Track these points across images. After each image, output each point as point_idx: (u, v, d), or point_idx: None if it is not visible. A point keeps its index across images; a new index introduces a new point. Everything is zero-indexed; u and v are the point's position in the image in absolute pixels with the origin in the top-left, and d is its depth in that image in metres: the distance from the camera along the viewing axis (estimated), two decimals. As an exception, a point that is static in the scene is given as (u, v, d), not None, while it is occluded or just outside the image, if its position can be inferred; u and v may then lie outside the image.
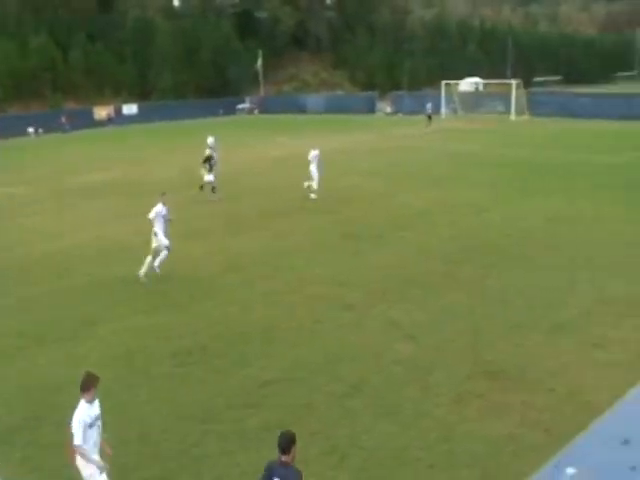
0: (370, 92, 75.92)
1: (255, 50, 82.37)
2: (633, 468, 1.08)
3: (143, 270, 16.70)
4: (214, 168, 26.79)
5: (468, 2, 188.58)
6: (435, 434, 9.54)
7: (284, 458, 6.05)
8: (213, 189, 26.46)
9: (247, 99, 79.55)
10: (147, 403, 10.73)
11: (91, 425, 7.28)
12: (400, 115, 64.85)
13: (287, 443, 6.07)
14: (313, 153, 27.04)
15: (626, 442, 1.18)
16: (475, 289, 15.47)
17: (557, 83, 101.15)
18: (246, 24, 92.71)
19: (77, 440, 7.12)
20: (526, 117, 56.02)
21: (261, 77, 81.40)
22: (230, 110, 75.24)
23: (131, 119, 68.59)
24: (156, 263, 16.86)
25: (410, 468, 8.84)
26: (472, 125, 52.01)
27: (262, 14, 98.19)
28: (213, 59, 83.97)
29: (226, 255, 19.21)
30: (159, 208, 16.99)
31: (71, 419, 7.23)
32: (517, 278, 16.06)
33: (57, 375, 11.77)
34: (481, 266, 17.15)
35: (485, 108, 62.01)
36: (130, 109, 71.06)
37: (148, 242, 16.85)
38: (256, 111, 76.71)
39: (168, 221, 17.22)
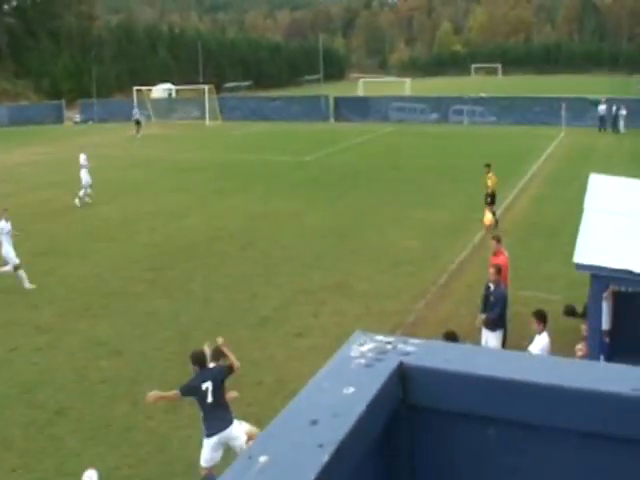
0: (57, 101, 72.22)
1: None
2: (321, 445, 1.06)
3: None
4: None
5: (155, 8, 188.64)
6: (148, 447, 9.27)
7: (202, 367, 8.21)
8: None
9: None
10: None
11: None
12: (90, 123, 62.64)
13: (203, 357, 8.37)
14: (83, 157, 25.92)
15: (314, 422, 1.16)
16: (179, 293, 15.41)
17: (248, 88, 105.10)
18: None
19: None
20: (219, 122, 57.40)
21: None
22: None
23: None
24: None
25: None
26: (167, 131, 51.99)
27: None
28: None
29: None
30: (2, 224, 16.17)
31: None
32: (220, 278, 16.31)
33: None
34: (184, 270, 17.12)
35: (179, 114, 62.30)
36: None
37: None
38: None
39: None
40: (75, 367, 11.85)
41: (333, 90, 69.41)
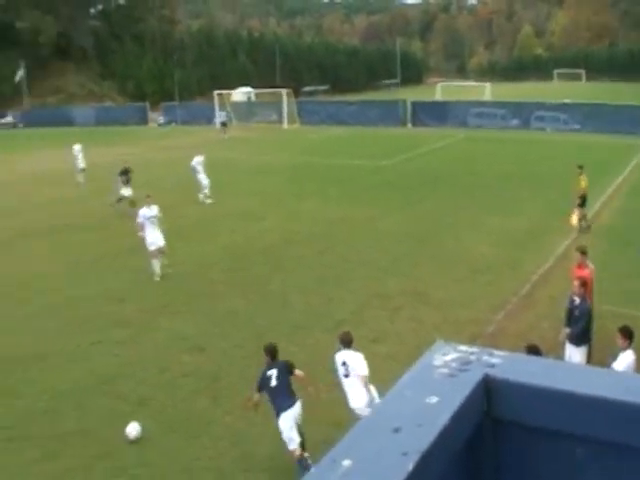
0: (141, 103, 74.28)
1: (16, 62, 77.31)
2: (404, 454, 1.09)
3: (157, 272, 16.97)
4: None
5: (235, 14, 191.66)
6: (225, 441, 9.49)
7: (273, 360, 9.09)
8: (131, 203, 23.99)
9: (10, 113, 74.36)
10: None
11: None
12: (173, 125, 64.15)
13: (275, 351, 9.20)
14: (197, 159, 26.20)
15: (397, 430, 1.19)
16: (257, 295, 15.63)
17: (325, 92, 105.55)
18: (5, 35, 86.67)
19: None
20: (297, 125, 57.88)
21: (24, 89, 76.56)
22: (-9, 125, 70.02)
23: None
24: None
25: (202, 478, 8.71)
26: (246, 134, 52.74)
27: (23, 25, 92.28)
28: (-30, 72, 77.82)
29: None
30: (144, 210, 17.18)
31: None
32: (297, 281, 16.47)
33: None
34: (262, 272, 17.38)
35: (258, 117, 63.11)
36: None
37: None
38: (20, 125, 71.97)
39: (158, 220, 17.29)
40: (157, 361, 12.20)
41: (410, 94, 69.04)
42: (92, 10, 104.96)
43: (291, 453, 8.73)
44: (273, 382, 8.79)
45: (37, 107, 80.00)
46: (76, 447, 9.48)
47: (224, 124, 53.68)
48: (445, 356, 1.38)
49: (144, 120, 67.47)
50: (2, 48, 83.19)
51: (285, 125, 58.20)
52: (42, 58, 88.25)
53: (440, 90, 70.83)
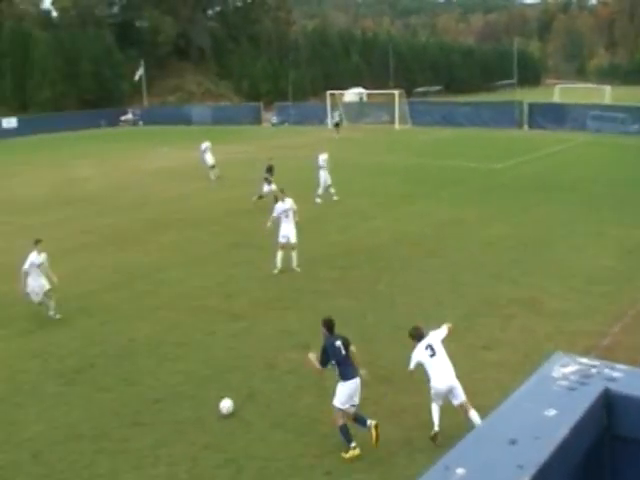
0: (255, 102, 75.92)
1: (136, 61, 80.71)
2: (520, 467, 1.05)
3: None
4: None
5: (349, 14, 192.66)
6: (331, 440, 9.54)
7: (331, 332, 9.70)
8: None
9: (130, 110, 77.71)
10: (37, 423, 10.35)
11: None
12: (286, 125, 65.14)
13: (333, 324, 9.80)
14: (322, 157, 26.54)
15: (513, 442, 1.15)
16: (364, 294, 15.65)
17: (438, 93, 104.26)
18: (127, 34, 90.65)
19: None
20: (408, 126, 57.52)
21: (144, 88, 79.80)
22: (113, 122, 73.30)
23: (11, 133, 65.67)
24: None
25: (306, 476, 8.78)
26: (357, 134, 52.88)
27: (143, 24, 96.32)
28: (93, 70, 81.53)
29: (108, 270, 18.55)
30: (279, 205, 17.78)
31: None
32: (405, 282, 16.39)
33: None
34: (370, 271, 17.40)
35: (370, 118, 63.10)
36: (9, 122, 68.05)
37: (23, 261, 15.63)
38: (140, 123, 75.10)
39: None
40: (266, 356, 12.44)
41: (527, 96, 67.11)
42: (210, 11, 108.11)
43: (335, 418, 9.36)
44: (342, 351, 9.49)
45: (156, 105, 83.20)
46: (188, 435, 9.80)
47: (337, 124, 54.13)
48: (564, 368, 1.34)
49: (258, 120, 68.85)
50: (123, 47, 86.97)
51: (397, 126, 57.95)
52: (161, 57, 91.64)
53: (558, 92, 68.62)
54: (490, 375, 11.16)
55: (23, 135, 64.12)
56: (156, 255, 19.89)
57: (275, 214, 17.90)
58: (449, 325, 10.12)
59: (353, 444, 9.22)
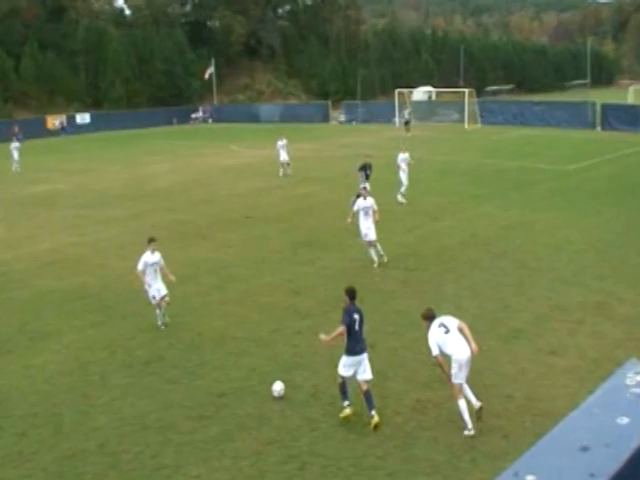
0: (323, 101, 76.16)
1: (208, 59, 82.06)
2: (592, 475, 1.02)
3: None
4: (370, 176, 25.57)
5: (420, 12, 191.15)
6: (394, 442, 9.51)
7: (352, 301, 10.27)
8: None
9: (201, 108, 79.10)
10: (104, 413, 10.61)
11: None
12: (354, 124, 65.13)
13: (355, 292, 10.44)
14: (402, 156, 26.25)
15: (584, 449, 1.12)
16: (430, 295, 15.48)
17: (509, 92, 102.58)
18: (198, 33, 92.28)
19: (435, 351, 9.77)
20: (478, 126, 56.78)
21: (214, 86, 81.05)
22: (184, 119, 74.76)
23: (84, 128, 67.66)
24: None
25: (369, 476, 8.78)
26: (426, 133, 52.45)
27: (214, 23, 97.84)
28: (165, 68, 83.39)
29: (177, 265, 18.85)
30: (359, 202, 18.02)
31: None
32: (471, 284, 16.19)
33: (12, 387, 11.62)
34: (436, 273, 17.25)
35: (439, 117, 62.54)
36: (83, 118, 70.10)
37: (97, 254, 16.25)
38: (210, 120, 76.35)
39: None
40: (331, 353, 12.44)
41: (601, 96, 65.36)
42: (280, 10, 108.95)
43: (336, 377, 10.19)
44: (356, 326, 10.00)
45: (226, 103, 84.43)
46: (252, 430, 9.92)
47: (407, 122, 53.87)
48: (638, 375, 1.31)
49: (325, 118, 69.09)
50: (194, 46, 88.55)
51: (466, 125, 57.26)
52: (231, 56, 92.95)
53: (633, 93, 66.58)
54: (558, 381, 10.93)
55: (96, 131, 65.98)
56: (224, 251, 20.20)
57: (355, 208, 18.10)
58: (467, 326, 10.20)
59: (347, 402, 10.04)
